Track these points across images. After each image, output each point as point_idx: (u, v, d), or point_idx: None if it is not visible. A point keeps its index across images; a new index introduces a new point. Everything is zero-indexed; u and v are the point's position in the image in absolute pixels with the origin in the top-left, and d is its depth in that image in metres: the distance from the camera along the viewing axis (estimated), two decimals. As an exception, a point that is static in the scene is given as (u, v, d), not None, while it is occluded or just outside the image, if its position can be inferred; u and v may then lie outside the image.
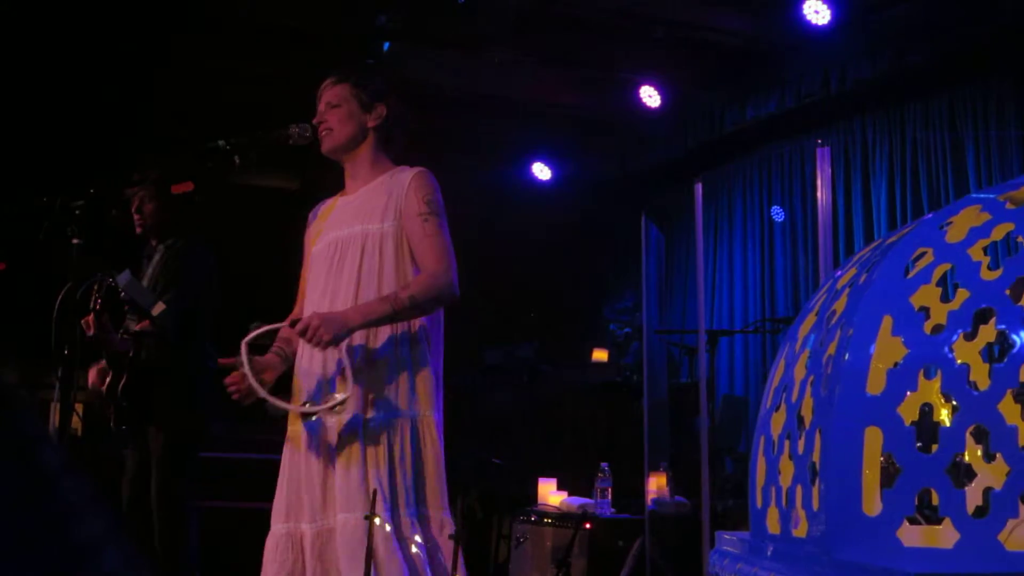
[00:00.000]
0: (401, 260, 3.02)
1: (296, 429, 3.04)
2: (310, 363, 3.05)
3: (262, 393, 2.94)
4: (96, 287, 3.86)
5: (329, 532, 2.90)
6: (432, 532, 2.94)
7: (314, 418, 2.98)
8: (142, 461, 4.23)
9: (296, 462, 3.01)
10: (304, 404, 3.00)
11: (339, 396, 2.92)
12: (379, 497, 2.82)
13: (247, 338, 2.99)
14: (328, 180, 3.70)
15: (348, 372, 2.92)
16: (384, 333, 2.98)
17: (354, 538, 2.81)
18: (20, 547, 0.55)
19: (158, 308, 4.01)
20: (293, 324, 2.93)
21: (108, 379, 4.21)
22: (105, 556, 0.59)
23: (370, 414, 2.93)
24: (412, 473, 2.91)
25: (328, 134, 3.15)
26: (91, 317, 3.94)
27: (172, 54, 6.74)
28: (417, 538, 2.86)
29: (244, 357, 2.95)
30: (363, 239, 3.05)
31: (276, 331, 3.11)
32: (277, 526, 2.99)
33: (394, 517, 2.87)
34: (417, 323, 3.01)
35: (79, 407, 5.90)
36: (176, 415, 4.20)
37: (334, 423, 2.94)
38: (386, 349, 2.97)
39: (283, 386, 3.13)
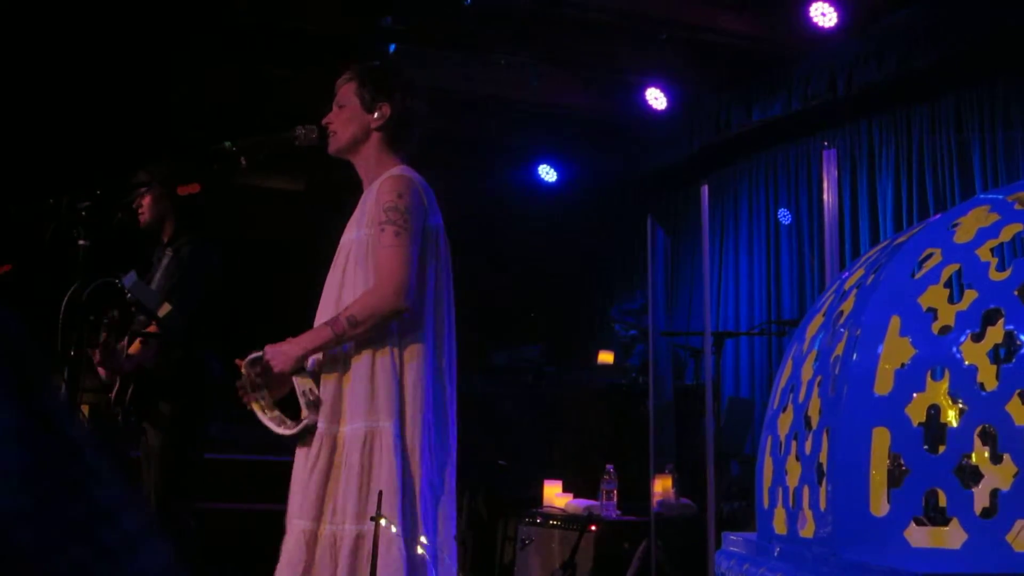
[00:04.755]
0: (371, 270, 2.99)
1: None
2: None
3: (256, 412, 3.00)
4: (104, 315, 3.85)
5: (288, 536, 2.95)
6: (367, 548, 2.79)
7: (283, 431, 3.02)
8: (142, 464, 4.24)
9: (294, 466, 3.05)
10: (276, 419, 3.01)
11: (303, 421, 2.96)
12: (329, 509, 2.85)
13: (245, 360, 3.04)
14: (335, 182, 3.71)
15: (301, 400, 2.95)
16: (346, 344, 2.96)
17: (296, 545, 2.86)
18: (43, 507, 0.57)
19: (164, 309, 4.00)
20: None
21: (116, 386, 4.21)
22: (126, 518, 0.61)
23: (325, 427, 2.92)
24: (355, 486, 2.82)
25: (332, 136, 3.14)
26: (98, 348, 3.94)
27: (179, 56, 6.75)
28: (344, 552, 2.79)
29: (246, 371, 3.02)
30: (349, 247, 3.05)
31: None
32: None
33: (324, 528, 2.86)
34: (384, 332, 2.92)
35: (85, 408, 5.91)
36: (178, 420, 4.19)
37: (311, 435, 2.97)
38: (345, 359, 2.95)
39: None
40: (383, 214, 2.95)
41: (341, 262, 3.05)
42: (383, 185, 3.01)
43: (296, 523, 2.89)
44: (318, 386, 2.99)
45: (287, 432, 2.99)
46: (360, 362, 2.92)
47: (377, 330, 2.91)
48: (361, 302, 2.89)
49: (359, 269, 2.99)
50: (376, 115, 3.11)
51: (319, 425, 2.93)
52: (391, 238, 2.92)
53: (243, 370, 3.04)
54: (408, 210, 2.96)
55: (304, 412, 2.97)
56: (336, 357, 2.99)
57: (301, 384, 2.99)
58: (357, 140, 3.13)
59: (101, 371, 4.12)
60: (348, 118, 3.12)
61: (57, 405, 0.61)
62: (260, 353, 3.03)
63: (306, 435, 2.98)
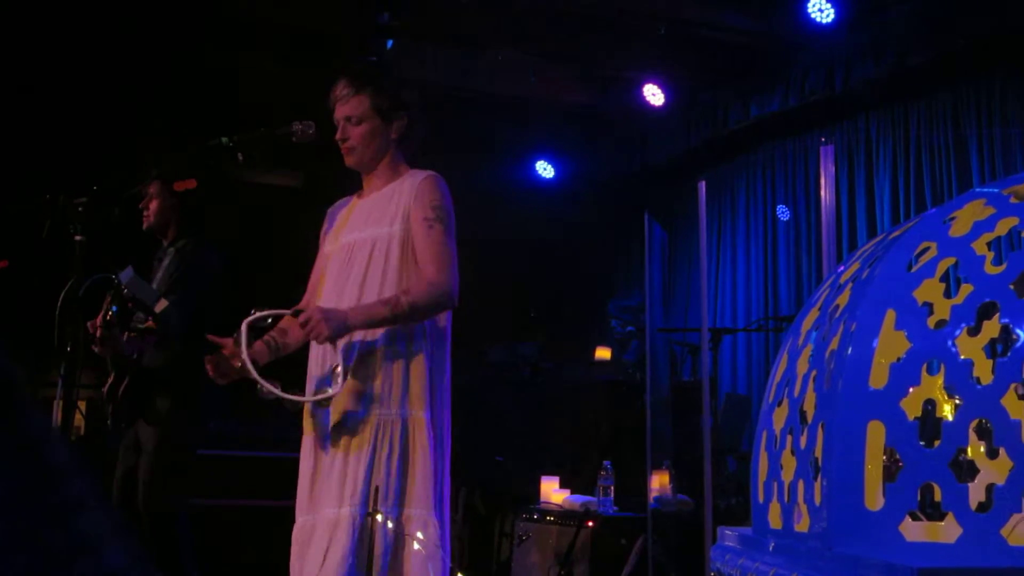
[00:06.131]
0: (405, 263, 3.04)
1: (307, 425, 3.07)
2: (321, 355, 3.08)
3: (255, 375, 2.94)
4: (107, 298, 3.83)
5: (312, 527, 2.95)
6: (411, 531, 2.89)
7: (304, 406, 3.02)
8: (133, 462, 4.21)
9: (303, 457, 3.06)
10: (295, 392, 3.01)
11: (329, 391, 2.96)
12: (357, 492, 2.86)
13: (248, 320, 3.00)
14: (332, 177, 3.70)
15: (340, 369, 2.95)
16: (380, 331, 3.00)
17: (324, 534, 2.87)
18: (19, 539, 0.54)
19: (161, 305, 4.00)
20: (297, 314, 2.95)
21: (109, 380, 4.20)
22: (108, 552, 0.58)
23: (359, 411, 2.95)
24: (396, 473, 2.90)
25: (351, 151, 3.17)
26: (99, 331, 3.91)
27: (176, 52, 6.74)
28: (388, 536, 2.84)
29: (243, 337, 2.95)
30: (373, 243, 3.08)
31: (274, 319, 3.10)
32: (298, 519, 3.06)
33: (365, 514, 2.88)
34: (417, 326, 3.02)
35: (82, 404, 5.90)
36: (174, 416, 4.18)
37: (328, 419, 2.98)
38: (381, 347, 2.99)
39: (287, 376, 3.14)
40: (431, 211, 3.06)
41: (363, 258, 3.08)
42: (424, 184, 3.11)
43: (324, 511, 2.92)
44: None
45: (300, 398, 2.99)
46: (394, 354, 2.98)
47: (426, 320, 3.02)
48: (424, 293, 2.98)
49: (391, 263, 3.04)
50: (396, 127, 3.18)
51: (340, 411, 2.95)
52: (442, 235, 3.05)
53: (242, 329, 2.99)
54: (450, 212, 3.10)
55: (334, 384, 2.97)
56: (360, 348, 3.01)
57: (333, 357, 3.00)
58: (379, 154, 3.19)
59: (96, 347, 4.07)
60: (369, 134, 3.15)
61: (39, 430, 0.59)
62: (262, 315, 3.01)
63: (320, 409, 3.00)
